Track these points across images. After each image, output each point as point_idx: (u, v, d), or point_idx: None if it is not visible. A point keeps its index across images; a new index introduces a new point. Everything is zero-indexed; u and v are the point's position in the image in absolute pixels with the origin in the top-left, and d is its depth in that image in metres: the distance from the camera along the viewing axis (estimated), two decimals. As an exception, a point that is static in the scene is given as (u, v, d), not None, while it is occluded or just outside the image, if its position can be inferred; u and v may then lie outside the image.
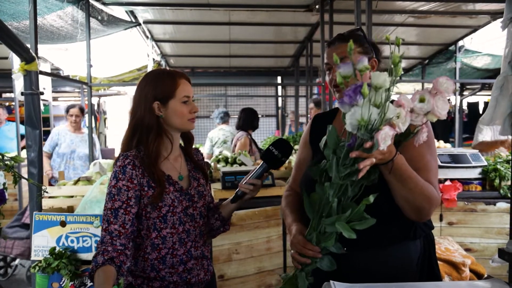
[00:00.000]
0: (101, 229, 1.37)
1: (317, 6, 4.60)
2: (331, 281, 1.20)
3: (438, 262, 2.71)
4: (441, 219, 3.20)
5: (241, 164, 3.64)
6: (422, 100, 1.08)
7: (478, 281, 1.45)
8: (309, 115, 4.95)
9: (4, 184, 1.03)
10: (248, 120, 4.69)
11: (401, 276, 1.34)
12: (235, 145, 4.68)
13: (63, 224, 2.12)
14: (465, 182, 3.27)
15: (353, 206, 1.15)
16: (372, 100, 1.04)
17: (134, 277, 1.47)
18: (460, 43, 6.40)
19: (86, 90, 7.51)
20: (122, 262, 1.31)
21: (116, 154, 7.29)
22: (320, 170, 1.19)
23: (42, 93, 2.54)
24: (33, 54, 2.45)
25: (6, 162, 1.05)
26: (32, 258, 2.13)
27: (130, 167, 1.39)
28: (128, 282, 1.48)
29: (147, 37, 6.03)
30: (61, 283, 2.08)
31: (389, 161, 1.15)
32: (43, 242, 2.13)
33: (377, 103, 1.04)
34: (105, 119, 9.18)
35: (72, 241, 2.13)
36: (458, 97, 7.37)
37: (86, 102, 7.61)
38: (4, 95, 9.35)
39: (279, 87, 10.29)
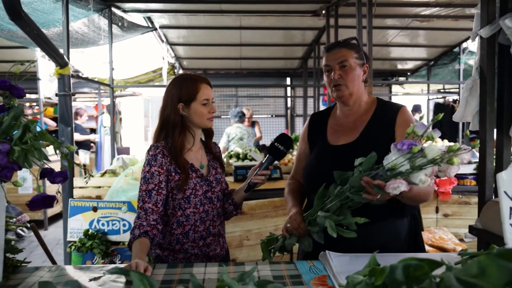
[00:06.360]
0: (137, 207, 1.63)
1: (323, 11, 4.85)
2: (327, 251, 1.45)
3: (431, 248, 2.94)
4: (437, 211, 3.42)
5: (252, 159, 3.90)
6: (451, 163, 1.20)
7: (452, 253, 1.69)
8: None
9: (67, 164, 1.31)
10: None
11: (390, 250, 1.52)
12: None
13: (95, 209, 2.41)
14: (460, 176, 3.48)
15: (348, 215, 1.40)
16: (412, 160, 1.18)
17: (162, 250, 1.74)
18: (464, 45, 6.59)
19: (103, 91, 7.86)
20: (154, 235, 1.58)
21: (131, 152, 7.56)
22: (343, 176, 1.43)
23: (74, 94, 2.84)
24: (66, 60, 2.76)
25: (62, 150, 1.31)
26: (68, 239, 2.42)
27: (160, 155, 1.66)
28: (157, 254, 1.76)
29: (162, 41, 6.31)
30: (93, 261, 2.36)
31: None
32: (77, 225, 2.42)
33: (413, 165, 1.18)
34: (120, 119, 9.50)
35: (103, 225, 2.41)
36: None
37: (103, 103, 7.97)
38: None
39: (288, 88, 10.49)
